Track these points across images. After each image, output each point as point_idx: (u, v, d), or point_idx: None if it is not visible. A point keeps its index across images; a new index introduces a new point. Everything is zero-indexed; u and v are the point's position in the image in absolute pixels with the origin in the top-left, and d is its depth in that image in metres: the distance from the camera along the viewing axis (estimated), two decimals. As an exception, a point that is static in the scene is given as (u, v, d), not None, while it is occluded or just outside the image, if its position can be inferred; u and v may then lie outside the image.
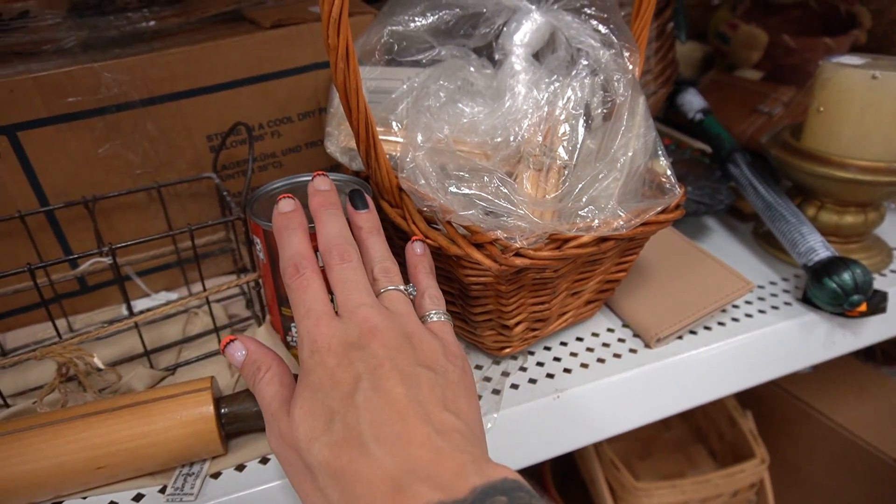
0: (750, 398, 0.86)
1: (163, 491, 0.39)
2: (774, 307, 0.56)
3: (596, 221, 0.41)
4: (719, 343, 0.51)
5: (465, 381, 0.33)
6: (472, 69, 0.50)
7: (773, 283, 0.60)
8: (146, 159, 0.50)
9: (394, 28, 0.48)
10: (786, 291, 0.58)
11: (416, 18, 0.49)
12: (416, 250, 0.41)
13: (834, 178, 0.56)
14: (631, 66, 0.46)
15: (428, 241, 0.42)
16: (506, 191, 0.40)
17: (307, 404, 0.31)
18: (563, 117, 0.45)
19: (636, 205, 0.44)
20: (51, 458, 0.37)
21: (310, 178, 0.48)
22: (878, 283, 0.59)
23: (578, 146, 0.44)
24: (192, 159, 0.52)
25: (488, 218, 0.40)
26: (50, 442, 0.37)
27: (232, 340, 0.37)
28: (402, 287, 0.36)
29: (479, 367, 0.49)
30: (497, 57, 0.50)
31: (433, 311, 0.37)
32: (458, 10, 0.49)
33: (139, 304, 0.55)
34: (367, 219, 0.39)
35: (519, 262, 0.40)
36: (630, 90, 0.45)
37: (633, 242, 0.48)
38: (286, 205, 0.39)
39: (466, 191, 0.40)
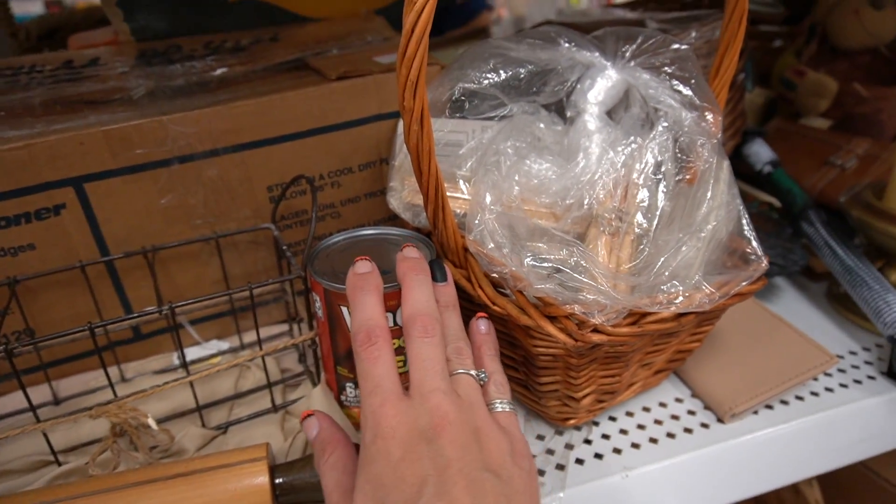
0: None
1: (213, 565, 0.38)
2: (857, 381, 0.52)
3: (680, 298, 0.38)
4: (799, 420, 0.48)
5: (530, 489, 0.31)
6: (541, 125, 0.48)
7: (853, 353, 0.56)
8: (206, 209, 0.49)
9: (465, 85, 0.47)
10: (868, 363, 0.54)
11: (488, 75, 0.47)
12: (482, 329, 0.39)
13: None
14: (714, 130, 0.43)
15: (495, 308, 0.40)
16: (585, 263, 0.37)
17: (366, 500, 0.29)
18: (640, 181, 0.43)
19: (718, 277, 0.41)
20: (102, 529, 0.35)
21: (371, 231, 0.47)
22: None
23: (658, 213, 0.42)
24: (252, 209, 0.51)
25: (563, 290, 0.38)
26: (102, 511, 0.36)
27: (309, 416, 0.36)
28: (473, 372, 0.34)
29: (540, 438, 0.47)
30: (569, 114, 0.48)
31: (499, 401, 0.35)
32: (531, 66, 0.48)
33: (190, 352, 0.54)
34: (446, 292, 0.38)
35: (596, 338, 0.37)
36: (715, 156, 0.42)
37: (711, 314, 0.45)
38: (363, 266, 0.37)
39: (546, 264, 0.38)
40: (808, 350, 0.50)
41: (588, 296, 0.37)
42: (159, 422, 0.45)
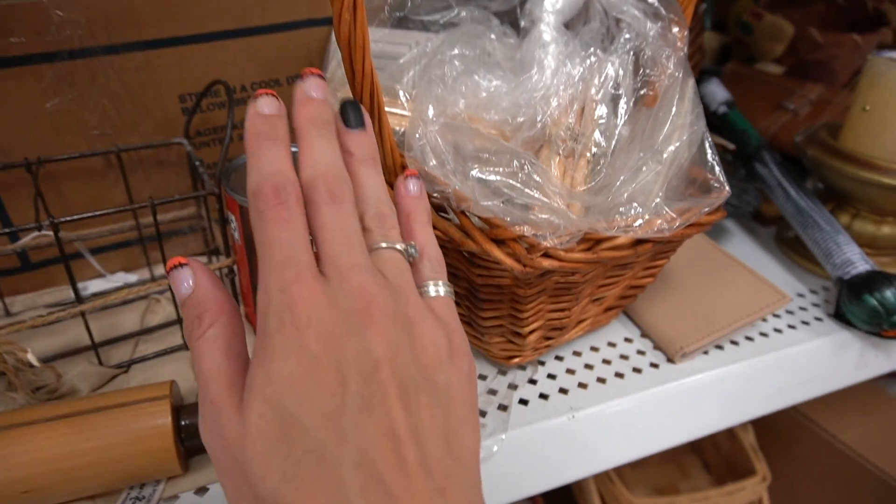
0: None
1: (106, 518, 0.33)
2: (805, 322, 0.51)
3: (639, 221, 0.35)
4: (748, 360, 0.46)
5: (469, 397, 0.26)
6: (492, 36, 0.43)
7: (800, 296, 0.55)
8: (105, 119, 0.42)
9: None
10: (815, 305, 0.53)
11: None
12: (411, 190, 0.30)
13: (878, 183, 0.51)
14: (680, 44, 0.39)
15: (436, 231, 0.36)
16: (538, 179, 0.33)
17: (269, 409, 0.22)
18: (599, 97, 0.39)
19: (679, 203, 0.38)
20: (-35, 479, 0.30)
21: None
22: (912, 301, 0.55)
23: (617, 132, 0.38)
24: (160, 121, 0.44)
25: (513, 210, 0.34)
26: (-35, 458, 0.30)
27: (182, 264, 0.26)
28: (400, 245, 0.27)
29: (482, 377, 0.43)
30: (523, 24, 0.43)
31: (433, 282, 0.28)
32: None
33: (93, 286, 0.47)
34: (362, 142, 0.29)
35: (547, 263, 0.33)
36: (680, 71, 0.39)
37: (667, 245, 0.42)
38: (267, 104, 0.27)
39: (493, 177, 0.34)
40: (761, 289, 0.48)
41: (539, 215, 0.33)
42: (48, 360, 0.40)
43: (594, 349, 0.47)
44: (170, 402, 0.33)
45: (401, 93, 0.42)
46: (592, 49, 0.40)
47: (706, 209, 0.38)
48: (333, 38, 0.48)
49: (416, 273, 0.28)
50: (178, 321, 0.42)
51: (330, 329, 0.22)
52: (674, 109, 0.39)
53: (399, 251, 0.26)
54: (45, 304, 0.46)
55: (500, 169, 0.35)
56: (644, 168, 0.37)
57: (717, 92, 0.69)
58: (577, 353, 0.46)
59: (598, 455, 0.42)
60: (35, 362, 0.35)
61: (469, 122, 0.39)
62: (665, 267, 0.51)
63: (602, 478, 0.70)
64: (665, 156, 0.37)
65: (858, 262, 0.51)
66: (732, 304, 0.47)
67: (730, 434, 0.77)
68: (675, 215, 0.36)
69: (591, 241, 0.35)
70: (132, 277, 0.49)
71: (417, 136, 0.38)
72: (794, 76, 0.79)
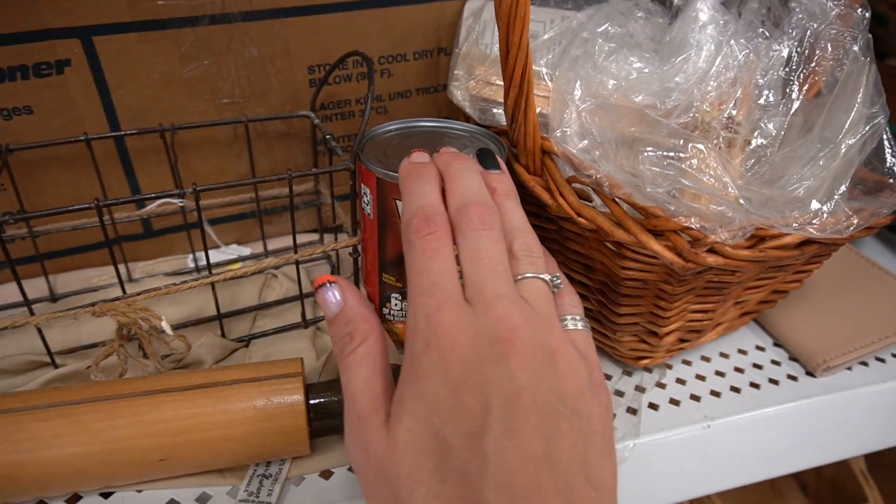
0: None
1: (232, 493, 0.32)
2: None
3: (816, 219, 0.32)
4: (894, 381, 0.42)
5: (607, 429, 0.25)
6: (640, 14, 0.41)
7: (949, 313, 0.50)
8: (236, 87, 0.42)
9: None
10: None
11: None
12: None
13: None
14: (865, 24, 0.36)
15: (581, 220, 0.34)
16: (715, 165, 0.30)
17: (417, 425, 0.23)
18: (764, 82, 0.36)
19: (853, 203, 0.35)
20: (105, 443, 0.30)
21: (430, 123, 0.39)
22: None
23: (787, 122, 0.35)
24: (288, 93, 0.43)
25: (678, 199, 0.31)
26: (105, 422, 0.30)
27: (331, 282, 0.28)
28: (546, 276, 0.27)
29: (607, 377, 0.41)
30: (676, 2, 0.41)
31: (571, 317, 0.28)
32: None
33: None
34: (502, 180, 0.30)
35: (712, 259, 0.31)
36: (861, 57, 0.35)
37: (827, 248, 0.38)
38: (420, 157, 0.30)
39: (662, 162, 0.31)
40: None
41: (711, 206, 0.30)
42: (176, 331, 0.39)
43: (724, 355, 0.44)
44: (303, 379, 0.32)
45: (543, 72, 0.39)
46: (760, 30, 0.37)
47: (885, 210, 0.34)
48: (465, 13, 0.46)
49: (557, 307, 0.28)
50: (295, 298, 0.42)
51: (472, 354, 0.23)
52: (859, 98, 0.35)
53: (545, 281, 0.27)
54: (164, 272, 0.46)
55: (672, 153, 0.32)
56: (822, 162, 0.33)
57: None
58: (705, 359, 0.43)
59: (734, 469, 0.39)
60: (169, 330, 0.34)
61: (626, 105, 0.36)
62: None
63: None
64: (843, 149, 0.34)
65: None
66: (882, 317, 0.43)
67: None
68: (852, 215, 0.33)
69: (757, 238, 0.32)
70: (245, 250, 0.49)
71: (564, 117, 0.35)
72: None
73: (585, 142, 0.34)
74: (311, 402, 0.33)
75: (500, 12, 0.30)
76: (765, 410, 0.39)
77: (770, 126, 0.35)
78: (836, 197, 0.33)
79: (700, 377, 0.42)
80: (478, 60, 0.41)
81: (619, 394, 0.40)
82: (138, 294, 0.35)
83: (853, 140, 0.34)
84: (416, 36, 0.45)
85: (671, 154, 0.31)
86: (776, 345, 0.45)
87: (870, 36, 0.35)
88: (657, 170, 0.31)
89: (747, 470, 0.40)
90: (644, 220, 0.32)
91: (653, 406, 0.39)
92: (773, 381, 0.42)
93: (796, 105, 0.35)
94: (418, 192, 0.28)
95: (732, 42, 0.36)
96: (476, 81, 0.40)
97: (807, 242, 0.33)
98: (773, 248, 0.32)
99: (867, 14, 0.36)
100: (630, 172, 0.32)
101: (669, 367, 0.42)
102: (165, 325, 0.34)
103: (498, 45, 0.31)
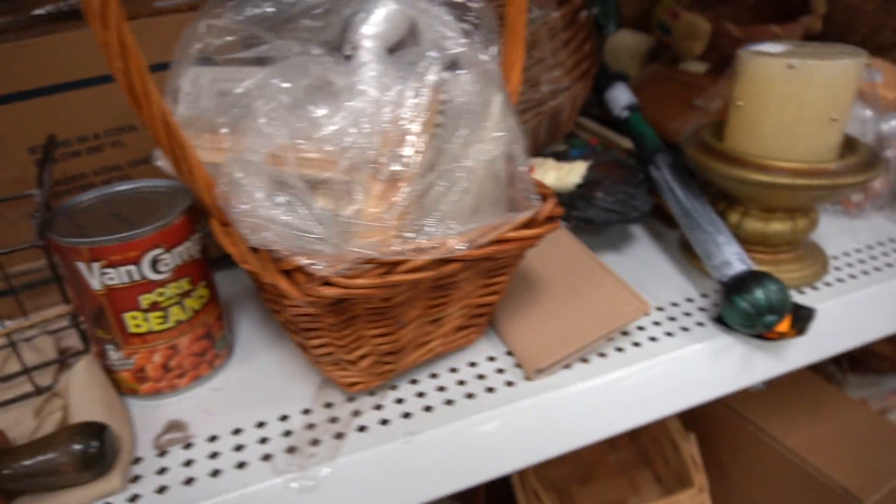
0: (698, 418, 0.79)
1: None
2: (685, 329, 0.49)
3: (436, 243, 0.35)
4: (612, 374, 0.45)
5: None
6: (316, 66, 0.44)
7: (689, 301, 0.53)
8: (-44, 175, 0.44)
9: (217, 23, 0.42)
10: (702, 310, 0.52)
11: (250, 11, 0.43)
12: None
13: (753, 182, 0.49)
14: (488, 59, 0.39)
15: (245, 265, 0.37)
16: (315, 207, 0.34)
17: None
18: (409, 119, 0.39)
19: (490, 220, 0.38)
20: None
21: (125, 187, 0.43)
22: (811, 298, 0.53)
23: (425, 152, 0.38)
24: (14, 176, 0.46)
25: (304, 239, 0.34)
26: None
27: None
28: None
29: (328, 406, 0.43)
30: (347, 52, 0.44)
31: None
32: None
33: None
34: None
35: (329, 291, 0.34)
36: (484, 87, 0.39)
37: (495, 262, 0.41)
38: None
39: (282, 211, 0.34)
40: (623, 298, 0.47)
41: (312, 245, 0.33)
42: None
43: (453, 370, 0.46)
44: (-24, 448, 0.35)
45: (226, 131, 0.43)
46: (403, 73, 0.40)
47: (518, 224, 0.37)
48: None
49: None
50: (24, 371, 0.44)
51: None
52: (482, 126, 0.38)
53: None
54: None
55: (287, 198, 0.35)
56: (443, 187, 0.36)
57: (621, 96, 0.68)
58: (434, 376, 0.46)
59: (436, 479, 0.42)
60: None
61: (288, 150, 0.39)
62: (532, 277, 0.51)
63: (531, 495, 0.68)
64: (465, 173, 0.37)
65: (735, 262, 0.49)
66: (592, 316, 0.46)
67: (674, 446, 0.74)
68: (477, 233, 0.36)
69: (388, 266, 0.35)
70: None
71: (229, 170, 0.38)
72: (718, 73, 0.77)
73: (242, 194, 0.37)
74: (3, 471, 0.35)
75: (123, 88, 0.33)
76: (470, 419, 0.42)
77: (415, 158, 0.38)
78: (454, 220, 0.36)
79: (421, 394, 0.44)
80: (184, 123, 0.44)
81: (333, 420, 0.42)
82: None
83: (471, 164, 0.37)
84: (135, 106, 0.48)
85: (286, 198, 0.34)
86: (508, 353, 0.48)
87: (487, 70, 0.38)
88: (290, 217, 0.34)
89: (447, 479, 0.42)
90: (276, 262, 0.35)
91: (362, 428, 0.41)
92: (490, 389, 0.44)
93: (434, 140, 0.38)
94: None
95: (388, 86, 0.40)
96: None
97: (443, 263, 0.36)
98: (402, 272, 0.35)
99: (495, 49, 0.40)
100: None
101: (394, 387, 0.45)
102: None
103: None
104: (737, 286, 0.47)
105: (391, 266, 0.35)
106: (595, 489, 0.79)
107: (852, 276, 0.55)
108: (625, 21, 0.94)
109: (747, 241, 0.54)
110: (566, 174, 0.61)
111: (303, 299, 0.34)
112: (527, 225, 0.39)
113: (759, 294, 0.46)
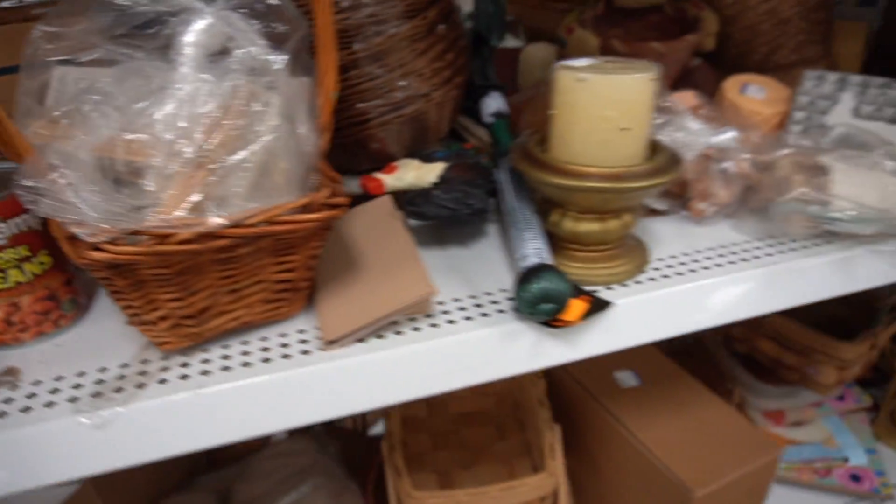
0: (569, 412, 0.84)
1: None
2: (485, 314, 0.55)
3: (198, 221, 0.41)
4: (397, 349, 0.50)
5: None
6: (150, 69, 0.51)
7: (503, 291, 0.58)
8: None
9: (51, 30, 0.49)
10: (512, 300, 0.57)
11: (89, 18, 0.50)
12: None
13: (553, 185, 0.54)
14: (272, 60, 0.46)
15: (52, 232, 0.44)
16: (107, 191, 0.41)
17: None
18: (214, 115, 0.46)
19: (269, 202, 0.44)
20: None
21: None
22: (616, 294, 0.57)
23: (225, 142, 0.45)
24: None
25: (79, 211, 0.41)
26: None
27: None
28: None
29: (144, 362, 0.50)
30: (173, 57, 0.51)
31: None
32: (133, 9, 0.50)
33: None
34: None
35: (97, 255, 0.40)
36: (269, 89, 0.45)
37: (282, 241, 0.48)
38: None
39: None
40: (415, 279, 0.53)
41: (90, 214, 0.40)
42: None
43: (263, 339, 0.52)
44: None
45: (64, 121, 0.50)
46: (215, 77, 0.47)
47: (282, 210, 0.44)
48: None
49: None
50: None
51: None
52: (263, 122, 0.45)
53: None
54: None
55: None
56: (241, 172, 0.43)
57: (492, 104, 0.73)
58: (245, 343, 0.52)
59: (216, 429, 0.48)
60: None
61: (116, 141, 0.47)
62: (350, 256, 0.57)
63: (392, 471, 0.74)
64: (244, 162, 0.44)
65: (531, 256, 0.54)
66: (383, 295, 0.52)
67: (537, 435, 0.79)
68: (248, 214, 0.43)
69: (158, 238, 0.42)
70: None
71: (46, 152, 0.45)
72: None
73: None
74: None
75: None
76: (257, 378, 0.48)
77: (219, 151, 0.44)
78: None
79: (226, 357, 0.50)
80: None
81: (143, 373, 0.49)
82: None
83: (244, 154, 0.44)
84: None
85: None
86: (317, 327, 0.54)
87: (272, 74, 0.45)
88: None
89: (227, 431, 0.48)
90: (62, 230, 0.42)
91: (163, 381, 0.48)
92: (286, 356, 0.50)
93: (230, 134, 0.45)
94: None
95: (206, 86, 0.46)
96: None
97: (211, 237, 0.43)
98: (172, 244, 0.42)
99: (283, 57, 0.46)
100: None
101: (206, 350, 0.51)
102: None
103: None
104: (523, 277, 0.52)
105: (161, 238, 0.42)
106: (474, 473, 0.84)
107: (665, 276, 0.60)
108: (546, 35, 0.99)
109: (564, 240, 0.59)
110: (425, 173, 0.67)
111: (77, 261, 0.40)
112: (306, 209, 0.46)
113: (537, 284, 0.51)
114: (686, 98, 0.74)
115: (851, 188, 0.62)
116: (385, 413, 0.81)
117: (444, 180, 0.65)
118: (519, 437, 0.88)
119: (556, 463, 0.74)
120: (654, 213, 0.71)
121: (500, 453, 0.87)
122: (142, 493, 0.91)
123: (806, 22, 0.87)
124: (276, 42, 0.49)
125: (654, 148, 0.58)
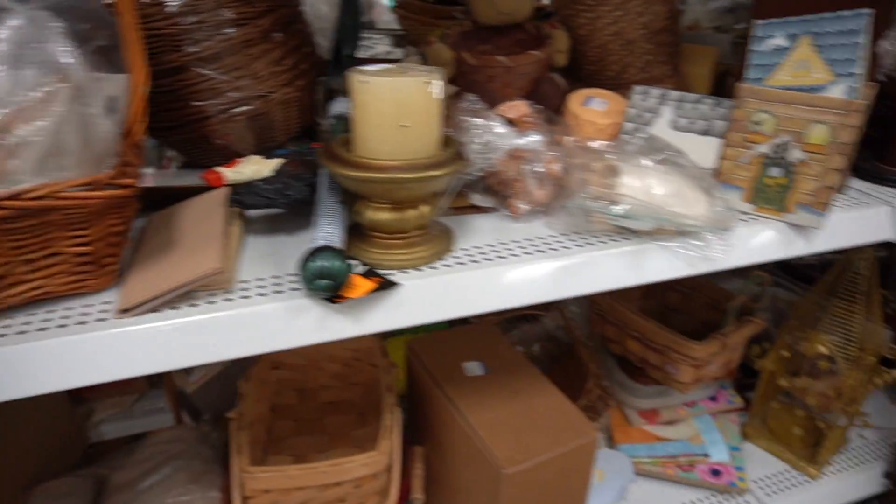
0: (421, 400, 0.89)
1: None
2: (279, 291, 0.60)
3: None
4: (184, 319, 0.56)
5: None
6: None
7: (307, 273, 0.63)
8: None
9: None
10: (304, 279, 0.62)
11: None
12: None
13: (342, 176, 0.60)
14: (65, 54, 0.52)
15: None
16: None
17: None
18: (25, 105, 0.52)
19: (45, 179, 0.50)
20: None
21: None
22: (408, 277, 0.62)
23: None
24: None
25: None
26: None
27: None
28: None
29: None
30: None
31: None
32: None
33: None
34: None
35: None
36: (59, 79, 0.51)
37: (72, 216, 0.53)
38: None
39: None
40: (205, 259, 0.58)
41: None
42: None
43: (68, 308, 0.57)
44: None
45: None
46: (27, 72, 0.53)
47: (57, 188, 0.49)
48: None
49: None
50: None
51: None
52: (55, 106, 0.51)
53: None
54: None
55: None
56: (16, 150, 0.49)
57: (336, 107, 0.79)
58: (50, 311, 0.57)
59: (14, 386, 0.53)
60: None
61: None
62: (172, 237, 0.62)
63: (235, 451, 0.78)
64: (21, 138, 0.50)
65: (321, 239, 0.60)
66: (178, 270, 0.57)
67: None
68: (22, 190, 0.48)
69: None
70: None
71: None
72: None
73: None
74: None
75: None
76: (48, 341, 0.53)
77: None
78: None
79: (28, 322, 0.55)
80: None
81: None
82: None
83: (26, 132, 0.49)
84: None
85: None
86: (127, 299, 0.59)
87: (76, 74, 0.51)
88: None
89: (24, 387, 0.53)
90: None
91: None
92: (82, 323, 0.55)
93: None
94: None
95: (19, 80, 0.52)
96: None
97: (-10, 208, 0.48)
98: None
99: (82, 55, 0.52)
100: None
101: (11, 318, 0.56)
102: None
103: None
104: (306, 257, 0.58)
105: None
106: (328, 457, 0.88)
107: (461, 264, 0.65)
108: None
109: (368, 228, 0.65)
110: (263, 168, 0.73)
111: None
112: (91, 187, 0.51)
113: (314, 263, 0.56)
114: (518, 107, 0.81)
115: (634, 188, 0.68)
116: (240, 395, 0.86)
117: (278, 174, 0.71)
118: (377, 424, 0.93)
119: (390, 443, 0.79)
120: (478, 209, 0.77)
121: (357, 438, 0.91)
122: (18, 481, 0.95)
123: (651, 44, 0.94)
124: (82, 40, 0.55)
125: (448, 145, 0.65)
